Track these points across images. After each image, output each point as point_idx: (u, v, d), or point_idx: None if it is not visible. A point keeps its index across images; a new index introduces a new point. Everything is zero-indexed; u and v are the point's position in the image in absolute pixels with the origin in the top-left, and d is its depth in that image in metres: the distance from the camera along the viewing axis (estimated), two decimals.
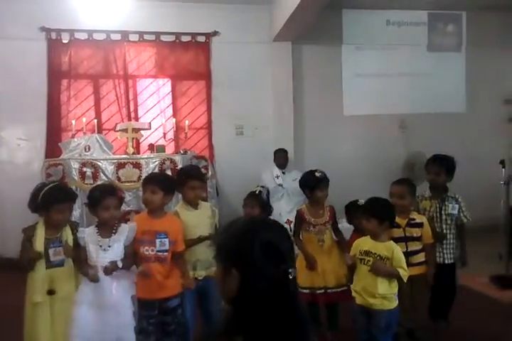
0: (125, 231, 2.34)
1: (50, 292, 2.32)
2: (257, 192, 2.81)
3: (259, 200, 2.79)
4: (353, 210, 2.91)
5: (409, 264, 2.46)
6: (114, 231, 2.32)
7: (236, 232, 1.08)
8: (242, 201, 2.85)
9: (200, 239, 2.59)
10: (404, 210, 2.68)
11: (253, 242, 1.01)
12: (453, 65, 6.18)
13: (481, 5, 5.77)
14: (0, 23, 4.98)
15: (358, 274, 2.43)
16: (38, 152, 5.09)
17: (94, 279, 2.24)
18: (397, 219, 2.61)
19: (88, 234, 2.30)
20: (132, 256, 2.37)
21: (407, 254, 2.58)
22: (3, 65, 5.02)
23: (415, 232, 2.69)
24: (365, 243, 2.44)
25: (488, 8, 5.81)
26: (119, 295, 2.25)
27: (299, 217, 2.87)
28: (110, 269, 2.24)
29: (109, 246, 2.27)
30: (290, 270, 1.00)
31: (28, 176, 4.51)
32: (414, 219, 2.71)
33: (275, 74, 5.61)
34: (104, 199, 2.28)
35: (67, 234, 2.37)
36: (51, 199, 2.29)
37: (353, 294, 2.44)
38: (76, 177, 4.27)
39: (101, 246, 2.27)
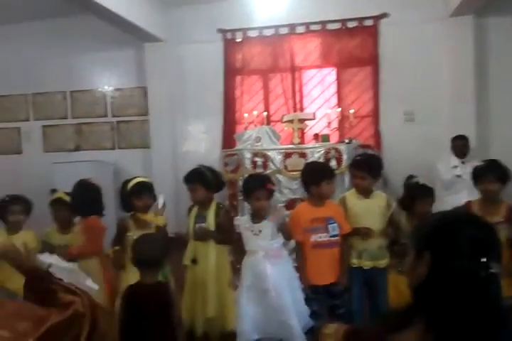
0: (275, 217, 2.43)
1: (193, 261, 2.63)
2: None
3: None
4: None
5: None
6: (265, 217, 2.44)
7: (444, 219, 1.06)
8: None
9: (358, 232, 2.54)
10: None
11: (458, 231, 0.99)
12: None
13: None
14: (183, 29, 5.65)
15: None
16: (216, 143, 5.65)
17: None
18: None
19: (242, 222, 2.47)
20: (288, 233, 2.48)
21: None
22: (186, 67, 5.70)
23: None
24: None
25: None
26: (275, 278, 2.32)
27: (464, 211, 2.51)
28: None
29: (260, 231, 2.39)
30: (491, 264, 0.94)
31: (208, 165, 5.04)
32: None
33: (453, 53, 5.03)
34: (255, 191, 2.42)
35: (211, 213, 2.63)
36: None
37: None
38: (249, 166, 4.60)
39: (252, 230, 2.40)
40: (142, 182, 2.70)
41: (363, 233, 2.51)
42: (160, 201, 2.66)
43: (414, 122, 5.21)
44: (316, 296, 2.47)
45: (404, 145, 5.11)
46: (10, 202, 2.76)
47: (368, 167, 2.64)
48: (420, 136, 5.09)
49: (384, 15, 5.22)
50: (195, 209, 2.73)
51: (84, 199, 2.73)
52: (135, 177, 2.75)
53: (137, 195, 2.63)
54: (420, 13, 5.09)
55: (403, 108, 5.22)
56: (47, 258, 1.30)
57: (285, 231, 2.46)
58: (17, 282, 2.66)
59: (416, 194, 2.65)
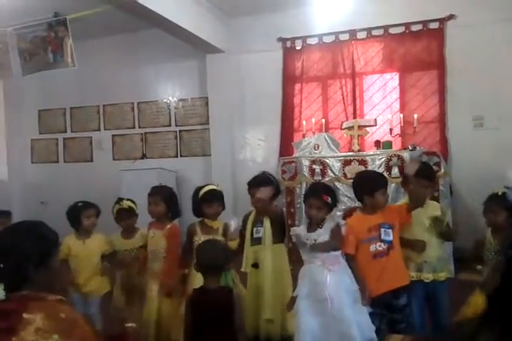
0: (330, 227, 2.36)
1: (254, 265, 2.63)
2: (499, 194, 2.43)
3: (504, 204, 2.40)
4: None
5: None
6: (320, 226, 2.38)
7: None
8: (482, 204, 2.50)
9: (412, 245, 2.46)
10: None
11: None
12: None
13: None
14: (243, 39, 5.73)
15: None
16: (274, 151, 5.67)
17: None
18: None
19: (299, 232, 2.43)
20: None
21: None
22: (246, 76, 5.79)
23: None
24: None
25: None
26: (333, 286, 2.25)
27: None
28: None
29: (315, 240, 2.33)
30: None
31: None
32: None
33: None
34: (308, 200, 2.39)
35: (266, 219, 2.68)
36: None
37: None
38: (306, 174, 4.57)
39: (307, 239, 2.35)
40: (213, 189, 2.76)
41: (419, 248, 2.44)
42: (233, 224, 2.69)
43: (484, 128, 4.89)
44: (377, 309, 2.36)
45: (473, 152, 4.82)
46: (84, 206, 2.89)
47: (435, 174, 2.56)
48: (490, 142, 4.78)
49: (451, 17, 4.99)
50: (252, 214, 2.76)
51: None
52: (207, 185, 2.83)
53: (208, 202, 2.70)
54: (491, 13, 4.79)
55: (472, 113, 4.92)
56: None
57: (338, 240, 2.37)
58: (93, 285, 2.85)
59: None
